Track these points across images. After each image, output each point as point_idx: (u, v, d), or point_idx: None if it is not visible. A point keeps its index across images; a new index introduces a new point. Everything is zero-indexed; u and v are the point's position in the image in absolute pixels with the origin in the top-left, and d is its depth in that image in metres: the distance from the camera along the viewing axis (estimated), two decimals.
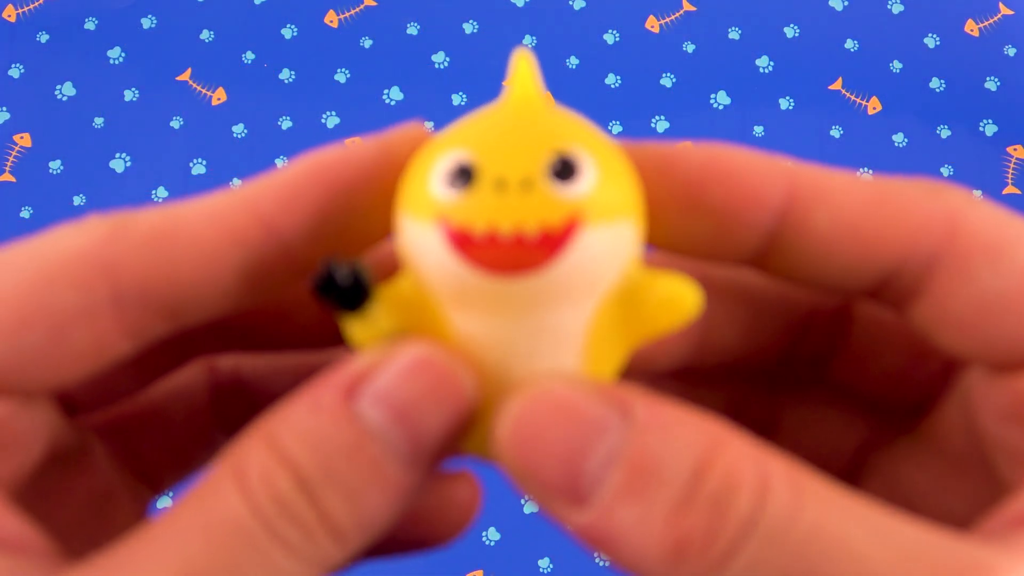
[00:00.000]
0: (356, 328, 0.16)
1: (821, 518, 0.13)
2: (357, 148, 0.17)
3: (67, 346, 0.16)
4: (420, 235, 0.15)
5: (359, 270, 0.15)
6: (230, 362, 0.22)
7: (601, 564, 0.48)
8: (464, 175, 0.14)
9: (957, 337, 0.16)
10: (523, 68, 0.16)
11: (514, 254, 0.14)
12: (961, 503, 0.18)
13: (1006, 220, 0.16)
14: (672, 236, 0.17)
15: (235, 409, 0.22)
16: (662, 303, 0.16)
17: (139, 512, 0.21)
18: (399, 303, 0.16)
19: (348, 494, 0.15)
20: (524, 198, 0.14)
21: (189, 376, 0.22)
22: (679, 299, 0.16)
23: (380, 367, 0.15)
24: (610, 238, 0.15)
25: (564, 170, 0.14)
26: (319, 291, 0.15)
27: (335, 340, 0.18)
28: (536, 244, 0.14)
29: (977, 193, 0.53)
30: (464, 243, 0.14)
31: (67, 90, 0.51)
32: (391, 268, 0.17)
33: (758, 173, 0.16)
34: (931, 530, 0.14)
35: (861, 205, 0.16)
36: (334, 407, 0.15)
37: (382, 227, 0.17)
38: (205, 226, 0.16)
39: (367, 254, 0.18)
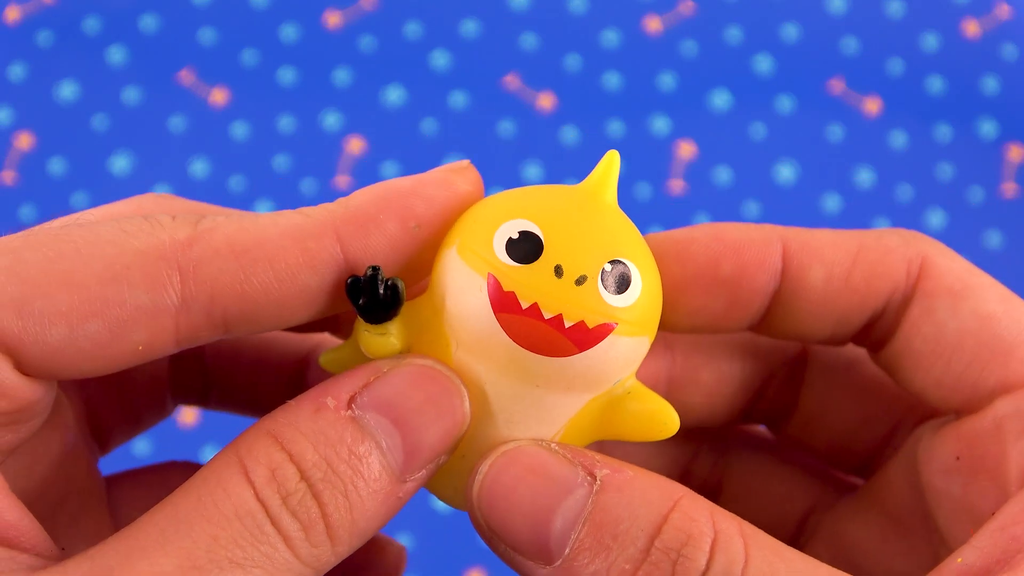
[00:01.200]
0: (371, 337, 0.17)
1: (768, 571, 0.14)
2: (431, 182, 0.17)
3: (122, 342, 0.16)
4: (467, 281, 0.16)
5: (397, 288, 0.16)
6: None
7: None
8: (528, 249, 0.16)
9: (915, 373, 0.18)
10: (609, 168, 0.17)
11: (547, 336, 0.16)
12: (904, 562, 0.19)
13: (972, 270, 0.18)
14: (693, 316, 0.18)
15: (190, 377, 0.23)
16: (645, 418, 0.17)
17: (94, 468, 0.21)
18: (414, 325, 0.17)
19: (345, 494, 0.16)
20: (574, 291, 0.16)
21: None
22: (660, 420, 0.17)
23: (383, 376, 0.16)
24: (629, 349, 0.16)
25: (617, 281, 0.16)
26: (355, 292, 0.16)
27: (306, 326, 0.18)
28: (568, 334, 0.16)
29: (979, 193, 0.53)
30: (508, 306, 0.16)
31: (67, 90, 0.51)
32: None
33: (756, 241, 0.18)
34: None
35: (846, 256, 0.18)
36: (336, 410, 0.16)
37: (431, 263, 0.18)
38: (284, 246, 0.17)
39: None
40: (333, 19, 0.53)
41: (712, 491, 0.22)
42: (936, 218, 0.52)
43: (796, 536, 0.21)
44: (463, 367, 0.17)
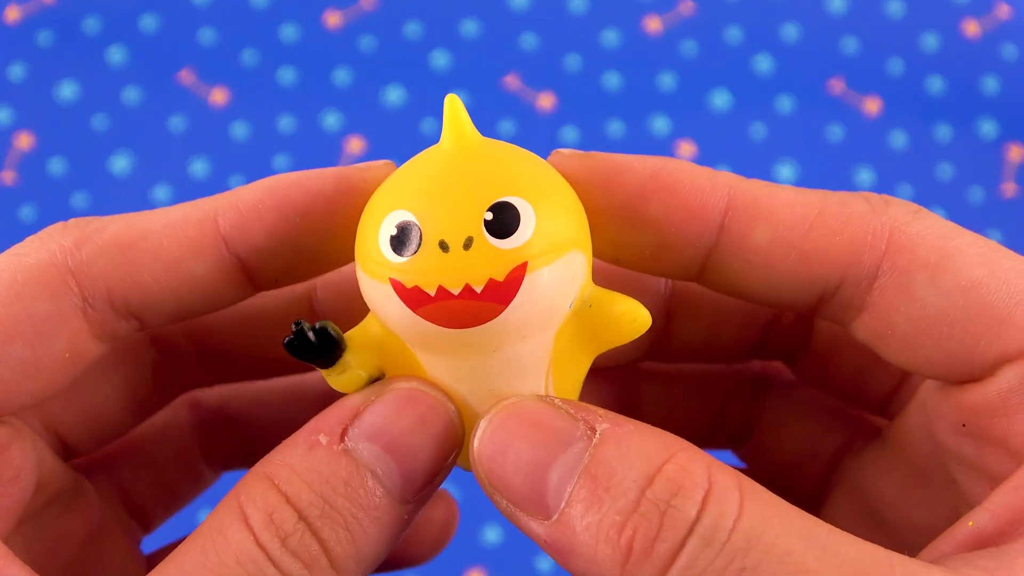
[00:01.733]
0: (334, 378, 0.17)
1: (761, 526, 0.14)
2: (317, 176, 0.18)
3: (47, 353, 0.17)
4: (378, 292, 0.16)
5: (327, 328, 0.16)
6: (214, 397, 0.23)
7: None
8: (408, 238, 0.15)
9: (902, 352, 0.17)
10: (454, 115, 0.16)
11: (466, 308, 0.15)
12: (924, 513, 0.18)
13: (947, 233, 0.16)
14: (617, 249, 0.17)
15: (221, 443, 0.23)
16: (617, 318, 0.17)
17: (132, 548, 0.22)
18: (371, 343, 0.17)
19: (347, 526, 0.16)
20: (468, 256, 0.15)
21: (174, 413, 0.23)
22: (632, 314, 0.17)
23: (370, 405, 0.16)
24: (557, 273, 0.16)
25: (502, 226, 0.15)
26: (293, 351, 0.16)
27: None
28: (485, 297, 0.15)
29: (979, 193, 0.53)
30: (419, 302, 0.16)
31: (67, 90, 0.51)
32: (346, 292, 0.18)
33: (698, 187, 0.16)
34: (875, 550, 0.14)
35: (801, 220, 0.16)
36: (329, 445, 0.16)
37: (341, 255, 0.18)
38: (165, 237, 0.17)
39: (325, 277, 0.18)
40: (333, 19, 0.53)
41: (746, 432, 0.22)
42: None
43: (824, 480, 0.21)
44: (429, 364, 0.17)
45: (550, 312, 0.16)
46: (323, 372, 0.17)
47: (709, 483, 0.14)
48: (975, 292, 0.16)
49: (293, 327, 0.16)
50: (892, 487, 0.19)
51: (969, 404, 0.16)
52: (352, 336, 0.17)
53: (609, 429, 0.15)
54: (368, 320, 0.17)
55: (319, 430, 0.16)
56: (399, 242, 0.16)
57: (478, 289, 0.15)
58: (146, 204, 0.50)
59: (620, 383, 0.22)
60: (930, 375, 0.17)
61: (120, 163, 0.51)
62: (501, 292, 0.15)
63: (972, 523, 0.15)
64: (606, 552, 0.14)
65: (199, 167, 0.51)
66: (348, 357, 0.17)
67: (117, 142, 0.51)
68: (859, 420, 0.21)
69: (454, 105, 0.17)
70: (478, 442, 0.16)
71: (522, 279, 0.15)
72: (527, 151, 0.17)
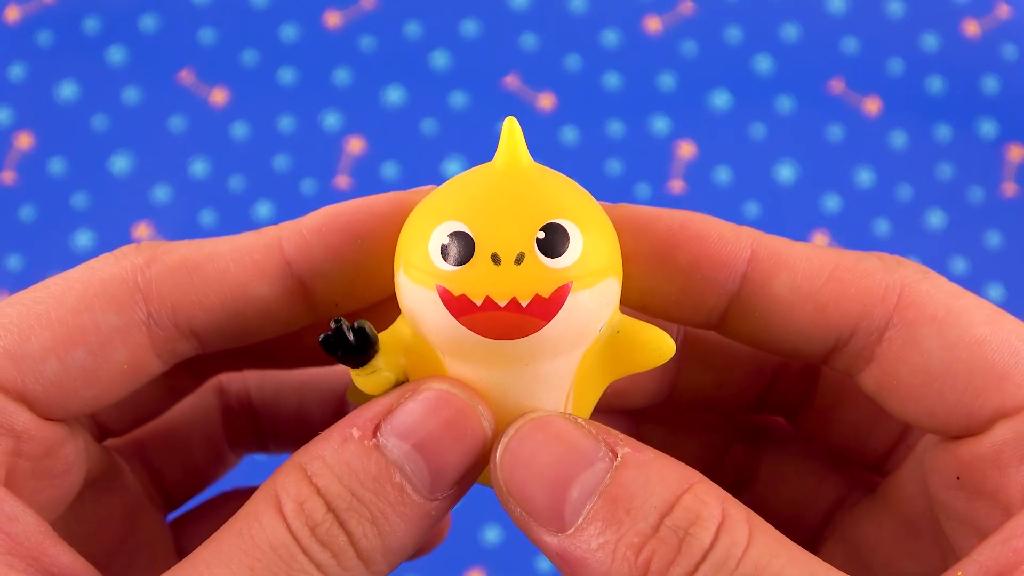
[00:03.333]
0: (362, 378, 0.17)
1: (768, 557, 0.15)
2: (377, 201, 0.18)
3: (109, 364, 0.18)
4: (421, 298, 0.17)
5: (364, 328, 0.17)
6: (237, 384, 0.24)
7: None
8: (461, 248, 0.16)
9: (905, 403, 0.18)
10: (512, 137, 0.17)
11: (510, 321, 0.16)
12: (914, 565, 0.19)
13: (955, 292, 0.17)
14: (644, 295, 0.18)
15: (241, 428, 0.24)
16: (644, 345, 0.18)
17: (162, 525, 0.22)
18: (399, 346, 0.17)
19: (373, 520, 0.16)
20: (517, 271, 0.16)
21: (203, 397, 0.24)
22: (658, 342, 0.18)
23: (403, 404, 0.17)
24: (595, 297, 0.16)
25: (553, 246, 0.16)
26: (327, 348, 0.16)
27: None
28: (529, 312, 0.16)
29: (979, 193, 0.53)
30: (464, 310, 0.16)
31: (67, 90, 0.51)
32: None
33: (725, 238, 0.18)
34: None
35: (819, 272, 0.17)
36: (360, 440, 0.16)
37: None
38: (232, 260, 0.18)
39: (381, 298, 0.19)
40: (333, 19, 0.53)
41: (744, 481, 0.22)
42: (936, 218, 0.52)
43: (818, 531, 0.22)
44: (457, 372, 0.17)
45: (584, 333, 0.17)
46: (352, 371, 0.17)
47: (723, 515, 0.15)
48: (978, 348, 0.17)
49: (332, 324, 0.17)
50: (884, 540, 0.20)
51: (965, 457, 0.17)
52: (382, 338, 0.18)
53: (631, 454, 0.16)
54: (398, 324, 0.18)
55: (353, 424, 0.16)
56: (449, 251, 0.16)
57: (524, 303, 0.16)
58: (146, 204, 0.50)
59: (623, 422, 0.23)
60: (930, 428, 0.18)
61: (120, 163, 0.51)
62: (544, 308, 0.16)
63: (960, 574, 0.16)
64: (622, 570, 0.15)
65: (199, 167, 0.51)
66: (378, 359, 0.17)
67: (117, 142, 0.51)
68: (855, 475, 0.22)
69: (513, 128, 0.17)
70: (503, 449, 0.16)
71: (565, 298, 0.16)
72: (571, 180, 0.18)
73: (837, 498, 0.22)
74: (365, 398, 0.18)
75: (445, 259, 0.16)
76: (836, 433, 0.22)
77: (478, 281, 0.16)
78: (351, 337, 0.17)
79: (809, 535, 0.22)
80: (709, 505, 0.15)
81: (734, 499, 0.16)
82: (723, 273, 0.18)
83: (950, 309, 0.17)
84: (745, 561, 0.15)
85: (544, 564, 0.47)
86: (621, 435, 0.17)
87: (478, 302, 0.16)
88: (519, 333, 0.16)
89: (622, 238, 0.18)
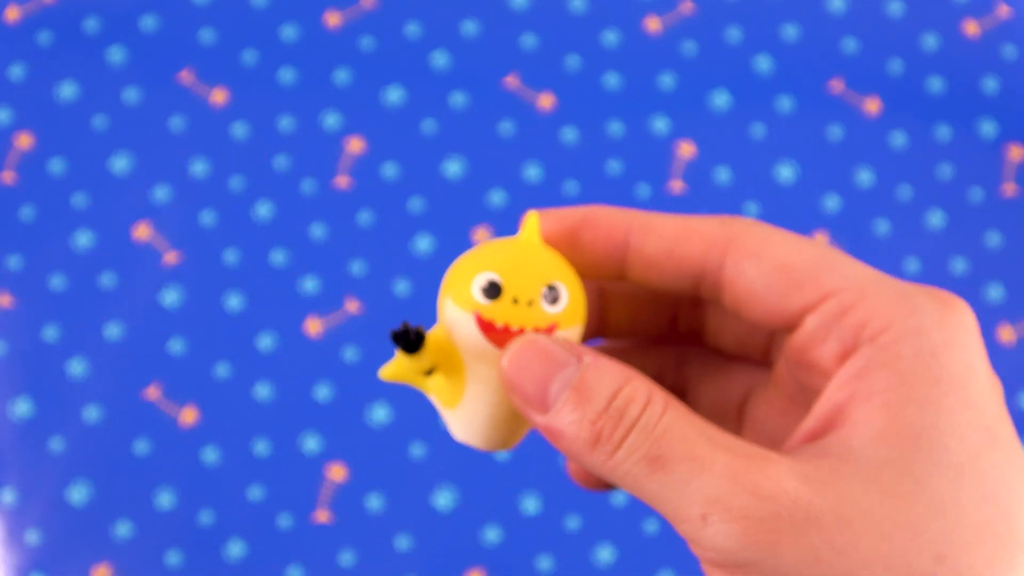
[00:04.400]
0: (406, 361, 0.25)
1: (674, 423, 0.23)
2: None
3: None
4: (462, 317, 0.25)
5: (421, 331, 0.25)
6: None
7: (599, 565, 0.48)
8: (495, 291, 0.25)
9: (748, 314, 0.25)
10: (531, 224, 0.26)
11: (509, 337, 0.25)
12: (795, 428, 0.26)
13: (770, 232, 0.25)
14: (580, 267, 0.27)
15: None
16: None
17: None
18: (435, 344, 0.25)
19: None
20: (527, 311, 0.25)
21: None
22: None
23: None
24: (569, 334, 0.25)
25: (552, 299, 0.25)
26: (394, 339, 0.25)
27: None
28: None
29: (979, 193, 0.53)
30: (489, 330, 0.24)
31: (67, 90, 0.51)
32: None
33: (611, 222, 0.26)
34: (744, 443, 0.23)
35: (675, 235, 0.26)
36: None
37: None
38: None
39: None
40: (333, 19, 0.53)
41: (680, 391, 0.30)
42: (936, 218, 0.52)
43: (737, 419, 0.29)
44: (473, 368, 0.26)
45: None
46: (402, 354, 0.25)
47: (648, 398, 0.23)
48: (783, 269, 0.24)
49: (402, 325, 0.25)
50: (778, 416, 0.27)
51: (796, 344, 0.25)
52: (428, 335, 0.25)
53: (591, 359, 0.24)
54: (436, 330, 0.26)
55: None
56: (486, 291, 0.25)
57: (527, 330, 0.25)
58: (146, 204, 0.50)
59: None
60: (771, 328, 0.26)
61: (120, 163, 0.51)
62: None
63: (803, 426, 0.24)
64: (583, 436, 0.23)
65: (199, 167, 0.51)
66: (422, 352, 0.25)
67: (117, 142, 0.51)
68: (753, 372, 0.29)
69: (533, 220, 0.26)
70: (506, 359, 0.24)
71: (553, 332, 0.25)
72: (559, 253, 0.27)
73: (745, 391, 0.29)
74: (392, 375, 0.26)
75: (483, 296, 0.25)
76: (729, 343, 0.29)
77: (502, 313, 0.25)
78: (411, 335, 0.25)
79: (733, 423, 0.29)
80: (639, 391, 0.23)
81: (658, 387, 0.23)
82: (611, 245, 0.26)
83: (763, 245, 0.25)
84: (659, 425, 0.22)
85: (544, 564, 0.47)
86: (586, 348, 0.24)
87: (499, 326, 0.24)
88: None
89: (573, 232, 0.27)
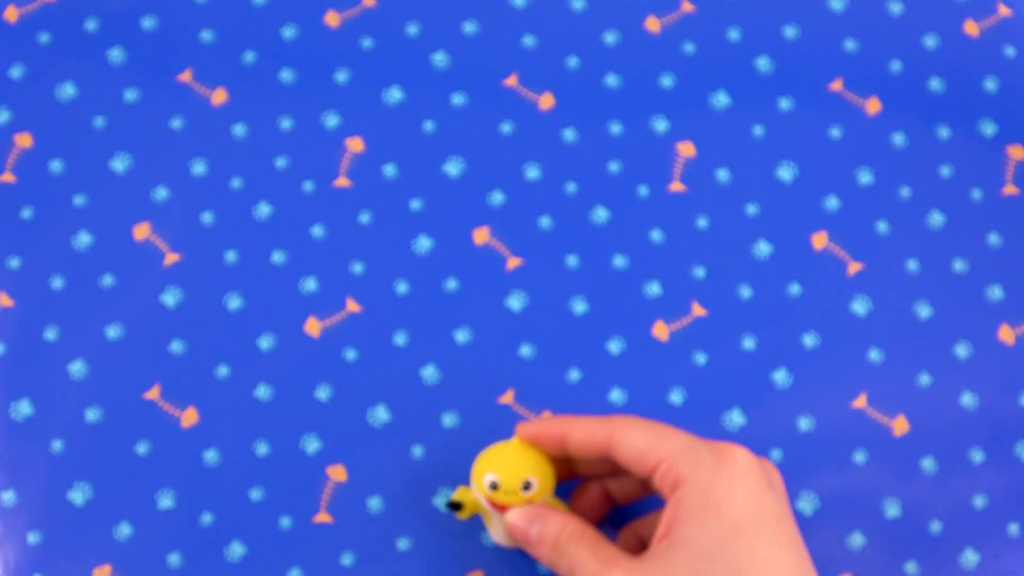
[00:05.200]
0: (458, 514, 0.44)
1: (579, 551, 0.40)
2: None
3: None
4: (481, 498, 0.43)
5: (462, 502, 0.44)
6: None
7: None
8: (495, 485, 0.42)
9: (631, 470, 0.41)
10: (517, 438, 0.43)
11: (506, 510, 0.42)
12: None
13: (632, 424, 0.41)
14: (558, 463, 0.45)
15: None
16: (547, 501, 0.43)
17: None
18: (470, 502, 0.44)
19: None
20: (513, 496, 0.42)
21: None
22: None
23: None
24: (542, 501, 0.43)
25: (526, 487, 0.42)
26: (449, 506, 0.44)
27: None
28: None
29: (979, 193, 0.53)
30: (494, 505, 0.42)
31: (67, 90, 0.51)
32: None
33: (590, 430, 0.42)
34: (615, 552, 0.40)
35: (586, 435, 0.42)
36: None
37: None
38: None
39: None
40: (333, 19, 0.53)
41: (612, 499, 0.46)
42: (936, 218, 0.52)
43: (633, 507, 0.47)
44: (490, 517, 0.44)
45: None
46: (456, 511, 0.44)
47: (571, 535, 0.41)
48: (636, 450, 0.41)
49: (446, 503, 0.44)
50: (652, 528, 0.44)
51: (655, 486, 0.41)
52: (463, 497, 0.44)
53: (547, 517, 0.41)
54: (467, 490, 0.44)
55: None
56: (491, 486, 0.42)
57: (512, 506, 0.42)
58: (146, 204, 0.50)
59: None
60: (645, 477, 0.41)
61: (120, 163, 0.51)
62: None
63: (658, 532, 0.39)
64: (546, 559, 0.41)
65: (199, 167, 0.51)
66: (464, 507, 0.44)
67: (117, 142, 0.51)
68: (646, 487, 0.44)
69: (519, 434, 0.44)
70: (506, 522, 0.42)
71: (529, 505, 0.42)
72: (534, 448, 0.43)
73: (639, 490, 0.45)
74: (460, 517, 0.45)
75: (489, 488, 0.42)
76: (630, 475, 0.44)
77: (499, 498, 0.42)
78: (456, 504, 0.44)
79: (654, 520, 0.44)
80: (567, 532, 0.41)
81: (579, 525, 0.41)
82: (555, 446, 0.43)
83: (625, 436, 0.41)
84: (572, 551, 0.40)
85: (542, 567, 0.47)
86: (539, 510, 0.42)
87: (500, 503, 0.42)
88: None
89: (550, 445, 0.43)
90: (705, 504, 0.37)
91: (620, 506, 0.46)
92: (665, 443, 0.39)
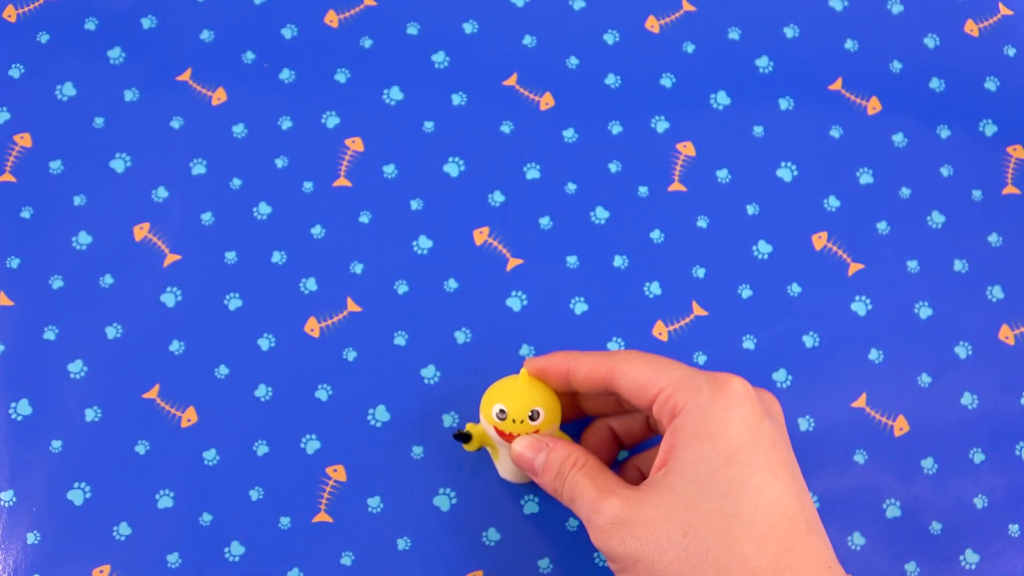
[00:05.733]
0: (466, 446, 0.45)
1: (580, 479, 0.41)
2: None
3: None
4: (489, 428, 0.43)
5: (470, 432, 0.45)
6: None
7: (599, 565, 0.48)
8: (503, 414, 0.43)
9: (630, 404, 0.43)
10: (525, 371, 0.44)
11: (512, 439, 0.43)
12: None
13: (632, 357, 0.41)
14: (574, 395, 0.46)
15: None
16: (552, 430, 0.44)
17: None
18: (478, 432, 0.45)
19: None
20: (520, 425, 0.43)
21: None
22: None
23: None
24: (548, 432, 0.44)
25: (533, 417, 0.43)
26: (457, 437, 0.45)
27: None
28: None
29: (979, 193, 0.53)
30: (501, 435, 0.43)
31: (67, 90, 0.51)
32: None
33: (594, 364, 0.42)
34: (614, 480, 0.40)
35: (589, 369, 0.42)
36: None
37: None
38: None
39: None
40: (333, 18, 0.53)
41: (618, 436, 0.47)
42: (936, 218, 0.52)
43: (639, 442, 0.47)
44: (498, 448, 0.45)
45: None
46: (464, 445, 0.45)
47: (574, 463, 0.41)
48: (636, 381, 0.41)
49: (459, 430, 0.45)
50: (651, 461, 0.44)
51: (654, 417, 0.41)
52: (472, 430, 0.45)
53: (549, 449, 0.42)
54: (479, 426, 0.44)
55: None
56: (497, 415, 0.43)
57: (518, 435, 0.43)
58: (146, 204, 0.50)
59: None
60: (645, 411, 0.42)
61: (120, 163, 0.51)
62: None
63: (657, 461, 0.40)
64: (550, 486, 0.42)
65: (199, 167, 0.51)
66: (472, 439, 0.45)
67: (117, 142, 0.51)
68: (647, 422, 0.46)
69: (527, 366, 0.44)
70: (513, 452, 0.43)
71: (535, 435, 0.43)
72: (541, 382, 0.44)
73: (644, 430, 0.46)
74: (469, 448, 0.45)
75: (497, 417, 0.43)
76: (634, 413, 0.46)
77: (506, 426, 0.43)
78: (466, 434, 0.45)
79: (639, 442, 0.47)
80: (571, 460, 0.41)
81: (582, 454, 0.42)
82: (560, 380, 0.43)
83: (626, 369, 0.41)
84: (574, 478, 0.41)
85: (543, 565, 0.47)
86: (550, 440, 0.43)
87: (506, 432, 0.43)
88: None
89: (564, 375, 0.43)
90: (700, 432, 0.38)
91: (627, 448, 0.47)
92: (664, 374, 0.40)
